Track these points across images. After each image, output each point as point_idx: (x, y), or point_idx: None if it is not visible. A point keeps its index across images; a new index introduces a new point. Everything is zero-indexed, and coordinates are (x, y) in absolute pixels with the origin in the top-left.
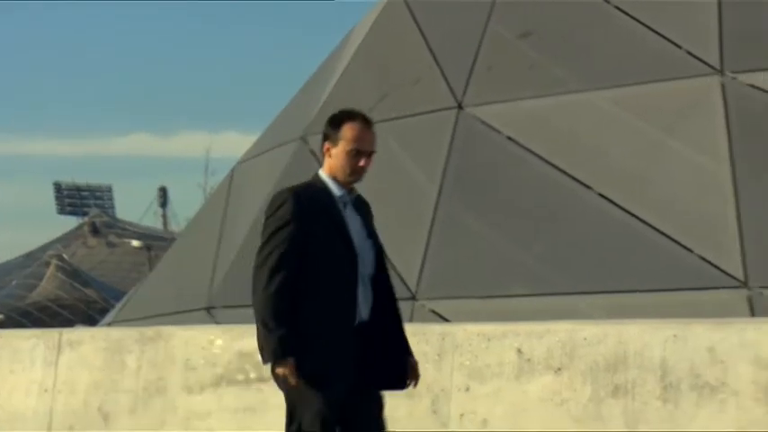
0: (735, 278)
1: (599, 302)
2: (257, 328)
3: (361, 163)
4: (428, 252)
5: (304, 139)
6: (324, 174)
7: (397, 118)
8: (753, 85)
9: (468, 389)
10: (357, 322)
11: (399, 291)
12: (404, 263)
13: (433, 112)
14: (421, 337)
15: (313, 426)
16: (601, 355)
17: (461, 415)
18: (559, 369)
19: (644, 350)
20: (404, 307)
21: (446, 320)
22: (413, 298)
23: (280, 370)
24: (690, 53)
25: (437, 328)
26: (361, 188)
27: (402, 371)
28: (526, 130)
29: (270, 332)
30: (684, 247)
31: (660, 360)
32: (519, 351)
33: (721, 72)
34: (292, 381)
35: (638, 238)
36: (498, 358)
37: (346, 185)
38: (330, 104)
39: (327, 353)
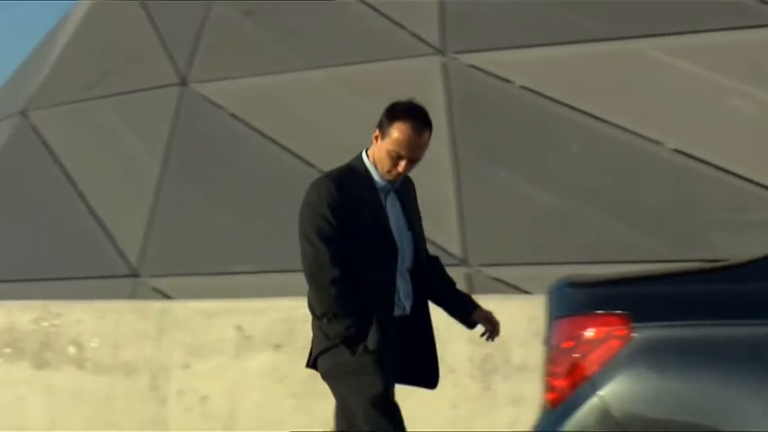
0: (454, 256)
1: None
2: (324, 321)
3: (399, 168)
4: (151, 229)
5: (24, 114)
6: (367, 159)
7: (120, 94)
8: (473, 66)
9: (187, 366)
10: (399, 314)
11: (120, 268)
12: (126, 240)
13: (156, 88)
14: (140, 314)
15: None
16: None
17: (181, 392)
18: (279, 346)
19: None
20: (125, 285)
21: (169, 298)
22: (135, 275)
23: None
24: (411, 33)
25: (157, 305)
26: (83, 165)
27: (434, 370)
28: (249, 107)
29: (343, 324)
30: None
31: None
32: (239, 328)
33: (442, 52)
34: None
35: None
36: (218, 335)
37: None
38: (51, 80)
39: (382, 328)
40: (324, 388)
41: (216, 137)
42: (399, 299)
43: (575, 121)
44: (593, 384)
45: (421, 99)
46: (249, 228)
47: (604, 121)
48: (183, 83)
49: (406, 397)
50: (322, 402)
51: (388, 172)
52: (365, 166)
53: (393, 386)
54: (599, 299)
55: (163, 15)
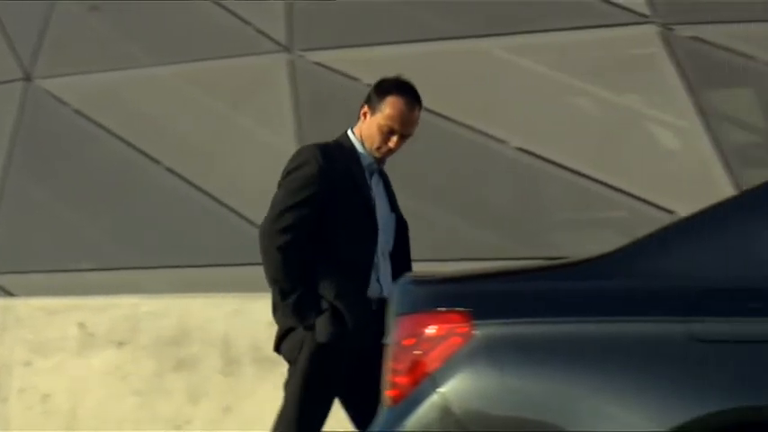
0: None
1: (164, 277)
2: (272, 288)
3: (391, 143)
4: None
5: None
6: (354, 136)
7: None
8: (320, 63)
9: (29, 363)
10: (376, 297)
11: None
12: None
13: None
14: None
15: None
16: (164, 330)
17: (22, 390)
18: (122, 343)
19: (206, 325)
20: None
21: (11, 295)
22: None
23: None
24: (258, 30)
25: None
26: None
27: None
28: (95, 103)
29: (286, 294)
30: (249, 221)
31: (223, 334)
32: (82, 325)
33: (289, 50)
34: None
35: (205, 213)
36: (61, 332)
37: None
38: None
39: (340, 320)
40: (167, 385)
41: (61, 133)
42: (377, 279)
43: (421, 119)
44: (434, 382)
45: (267, 96)
46: (93, 225)
47: (450, 120)
48: (28, 78)
49: (250, 395)
50: (165, 400)
51: (378, 148)
52: (351, 143)
53: (333, 388)
54: (441, 296)
55: (5, 11)
